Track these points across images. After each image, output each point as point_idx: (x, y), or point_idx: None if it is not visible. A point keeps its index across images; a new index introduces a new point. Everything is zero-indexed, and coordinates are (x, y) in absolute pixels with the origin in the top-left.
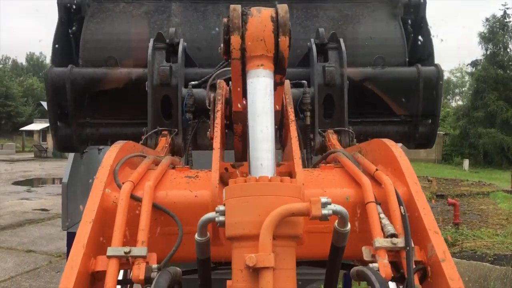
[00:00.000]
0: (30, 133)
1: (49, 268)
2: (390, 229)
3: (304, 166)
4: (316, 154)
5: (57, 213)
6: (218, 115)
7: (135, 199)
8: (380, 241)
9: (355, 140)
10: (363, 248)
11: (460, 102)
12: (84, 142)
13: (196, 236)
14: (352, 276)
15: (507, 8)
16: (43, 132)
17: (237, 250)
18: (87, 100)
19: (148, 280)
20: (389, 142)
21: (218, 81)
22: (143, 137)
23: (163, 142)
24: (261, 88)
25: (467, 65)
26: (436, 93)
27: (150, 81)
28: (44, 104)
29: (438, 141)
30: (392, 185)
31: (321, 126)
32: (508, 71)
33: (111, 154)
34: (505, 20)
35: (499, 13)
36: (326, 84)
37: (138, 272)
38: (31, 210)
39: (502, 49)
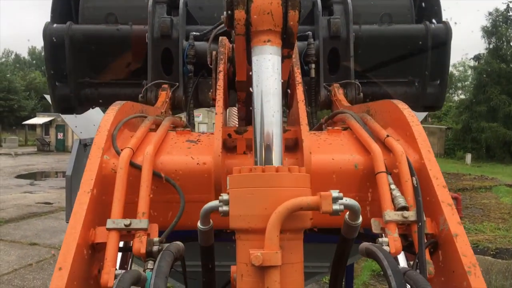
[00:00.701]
0: (33, 127)
1: (53, 261)
2: (401, 201)
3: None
4: (321, 109)
5: (60, 206)
6: (220, 76)
7: (134, 167)
8: (390, 215)
9: (361, 94)
10: (372, 220)
11: (462, 96)
12: (83, 103)
13: (198, 224)
14: (361, 252)
15: (510, 2)
16: (45, 125)
17: (242, 243)
18: (86, 58)
19: (149, 254)
20: (400, 104)
21: (220, 38)
22: (143, 90)
23: (163, 96)
24: (268, 68)
25: (470, 59)
26: (445, 52)
27: (151, 33)
28: (48, 97)
29: (440, 135)
30: (404, 154)
31: (326, 80)
32: (511, 65)
33: (108, 117)
34: (508, 14)
35: (502, 7)
36: (331, 37)
37: (139, 245)
38: (34, 204)
39: (505, 43)
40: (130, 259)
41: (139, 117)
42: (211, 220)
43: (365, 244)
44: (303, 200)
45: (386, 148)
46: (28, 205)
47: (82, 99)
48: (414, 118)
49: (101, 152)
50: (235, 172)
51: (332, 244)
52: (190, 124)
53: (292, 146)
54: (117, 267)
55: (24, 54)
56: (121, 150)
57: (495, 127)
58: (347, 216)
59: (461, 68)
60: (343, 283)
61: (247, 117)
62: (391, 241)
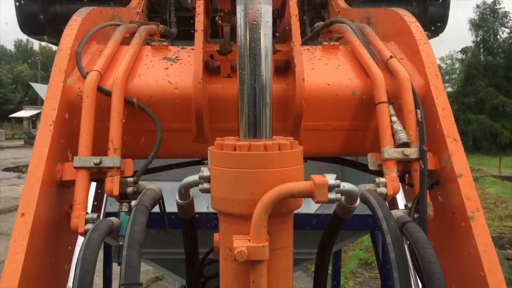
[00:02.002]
0: (20, 120)
1: None
2: (402, 137)
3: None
4: (316, 14)
5: None
6: None
7: (103, 93)
8: (390, 152)
9: None
10: (369, 156)
11: (450, 89)
12: (52, 22)
13: (177, 199)
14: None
15: None
16: (32, 119)
17: (225, 225)
18: None
19: (123, 195)
20: (407, 16)
21: None
22: None
23: None
24: (255, 23)
25: (457, 52)
26: None
27: None
28: (35, 86)
29: None
30: (409, 81)
31: None
32: (498, 58)
33: (70, 31)
34: (495, 7)
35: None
36: None
37: (112, 186)
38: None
39: (492, 36)
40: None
41: (109, 26)
42: (191, 193)
43: (361, 188)
44: (294, 187)
45: (388, 70)
46: (15, 198)
47: (51, 17)
48: (422, 35)
49: (64, 76)
50: (217, 146)
51: (321, 230)
52: (171, 26)
53: (283, 68)
54: (91, 206)
55: (10, 46)
56: (87, 73)
57: (482, 119)
58: (343, 199)
59: (448, 61)
60: (330, 271)
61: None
62: (388, 181)
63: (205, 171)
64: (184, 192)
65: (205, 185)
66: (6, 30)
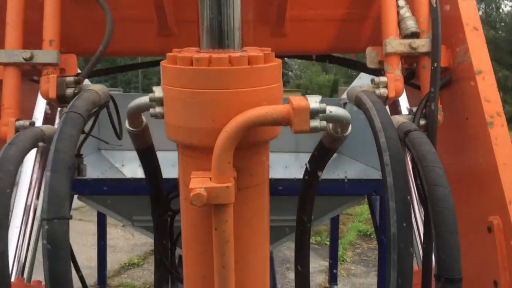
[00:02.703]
0: None
1: None
2: (410, 25)
3: None
4: None
5: None
6: None
7: None
8: (394, 44)
9: None
10: (368, 50)
11: None
12: None
13: (127, 126)
14: (349, 98)
15: None
16: None
17: (184, 159)
18: None
19: (62, 99)
20: None
21: None
22: None
23: None
24: None
25: None
26: None
27: None
28: None
29: None
30: None
31: None
32: (500, 32)
33: None
34: None
35: None
36: None
37: (47, 86)
38: None
39: (494, 10)
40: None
41: None
42: (143, 119)
43: (355, 90)
44: (266, 113)
45: None
46: None
47: None
48: None
49: None
50: (170, 59)
51: (320, 196)
52: None
53: None
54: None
55: None
56: None
57: None
58: (331, 128)
59: None
60: (328, 241)
61: None
62: (390, 81)
63: (157, 91)
64: (134, 117)
65: (158, 109)
66: None
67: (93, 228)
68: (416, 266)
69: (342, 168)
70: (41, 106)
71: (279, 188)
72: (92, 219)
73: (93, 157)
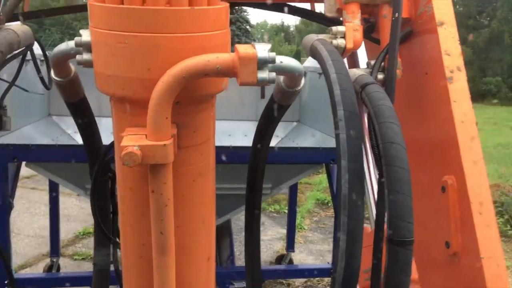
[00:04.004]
0: None
1: None
2: None
3: None
4: None
5: None
6: None
7: None
8: None
9: None
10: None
11: None
12: None
13: (52, 75)
14: (305, 48)
15: None
16: None
17: (117, 114)
18: None
19: None
20: None
21: None
22: None
23: None
24: None
25: None
26: None
27: None
28: None
29: None
30: None
31: None
32: (457, 6)
33: None
34: None
35: None
36: None
37: None
38: None
39: None
40: None
41: None
42: (71, 67)
43: (310, 38)
44: (209, 61)
45: None
46: None
47: None
48: None
49: None
50: None
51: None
52: None
53: None
54: None
55: None
56: None
57: None
58: (281, 80)
59: None
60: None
61: None
62: (349, 31)
63: (84, 35)
64: (58, 65)
65: (85, 56)
66: None
67: (46, 197)
68: (369, 227)
69: (301, 137)
70: None
71: (239, 156)
72: (45, 188)
73: (43, 122)
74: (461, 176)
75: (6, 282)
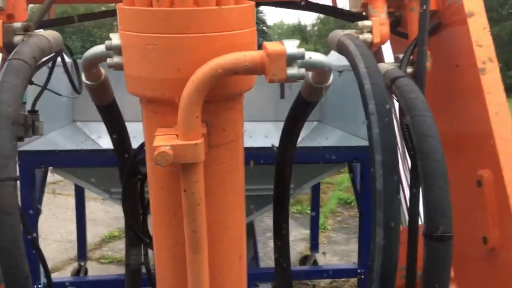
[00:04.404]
0: None
1: None
2: None
3: None
4: None
5: None
6: None
7: None
8: None
9: None
10: None
11: None
12: None
13: (84, 79)
14: (331, 43)
15: None
16: None
17: (147, 115)
18: None
19: (10, 47)
20: None
21: None
22: None
23: None
24: None
25: None
26: None
27: None
28: None
29: None
30: None
31: None
32: None
33: None
34: None
35: None
36: None
37: None
38: None
39: None
40: None
41: None
42: (101, 71)
43: (336, 34)
44: (237, 60)
45: None
46: None
47: None
48: None
49: None
50: (128, 0)
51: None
52: None
53: None
54: None
55: None
56: None
57: None
58: (310, 76)
59: None
60: (309, 210)
61: None
62: (375, 25)
63: (114, 38)
64: (90, 68)
65: (116, 59)
66: None
67: (72, 202)
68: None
69: (323, 137)
70: None
71: (260, 156)
72: (71, 193)
73: (68, 128)
74: (498, 169)
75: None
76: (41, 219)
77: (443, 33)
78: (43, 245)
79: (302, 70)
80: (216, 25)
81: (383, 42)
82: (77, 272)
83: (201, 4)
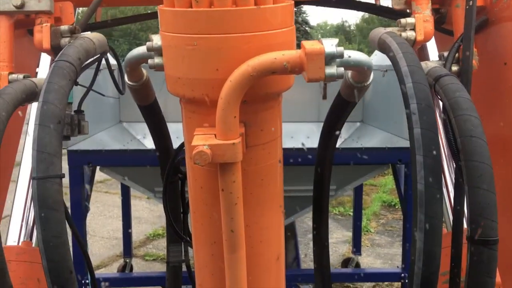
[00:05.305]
0: None
1: None
2: None
3: None
4: None
5: None
6: None
7: None
8: None
9: None
10: None
11: None
12: None
13: (126, 80)
14: (372, 41)
15: None
16: None
17: (187, 115)
18: None
19: (57, 50)
20: None
21: None
22: None
23: None
24: None
25: None
26: None
27: None
28: None
29: None
30: None
31: None
32: None
33: None
34: None
35: None
36: None
37: (41, 36)
38: None
39: None
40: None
41: None
42: (143, 72)
43: (378, 32)
44: (275, 59)
45: None
46: None
47: None
48: None
49: None
50: (168, 2)
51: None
52: None
53: None
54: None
55: None
56: None
57: None
58: (349, 75)
59: None
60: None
61: None
62: (419, 22)
63: (155, 39)
64: (132, 70)
65: (157, 60)
66: None
67: (118, 200)
68: (445, 229)
69: (365, 138)
70: (45, 63)
71: (302, 157)
72: (117, 192)
73: (115, 129)
74: None
75: (87, 281)
76: (89, 217)
77: (490, 30)
78: (91, 241)
79: (341, 69)
80: (254, 24)
81: (426, 39)
82: (123, 269)
83: (240, 4)
